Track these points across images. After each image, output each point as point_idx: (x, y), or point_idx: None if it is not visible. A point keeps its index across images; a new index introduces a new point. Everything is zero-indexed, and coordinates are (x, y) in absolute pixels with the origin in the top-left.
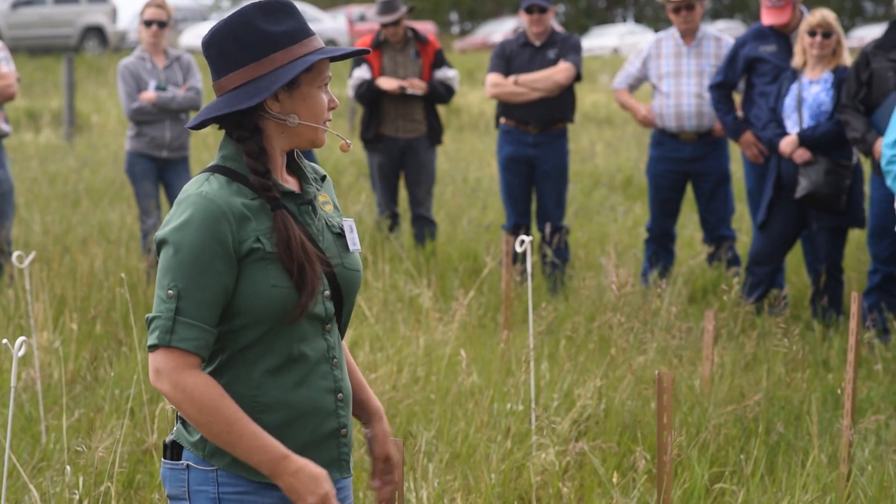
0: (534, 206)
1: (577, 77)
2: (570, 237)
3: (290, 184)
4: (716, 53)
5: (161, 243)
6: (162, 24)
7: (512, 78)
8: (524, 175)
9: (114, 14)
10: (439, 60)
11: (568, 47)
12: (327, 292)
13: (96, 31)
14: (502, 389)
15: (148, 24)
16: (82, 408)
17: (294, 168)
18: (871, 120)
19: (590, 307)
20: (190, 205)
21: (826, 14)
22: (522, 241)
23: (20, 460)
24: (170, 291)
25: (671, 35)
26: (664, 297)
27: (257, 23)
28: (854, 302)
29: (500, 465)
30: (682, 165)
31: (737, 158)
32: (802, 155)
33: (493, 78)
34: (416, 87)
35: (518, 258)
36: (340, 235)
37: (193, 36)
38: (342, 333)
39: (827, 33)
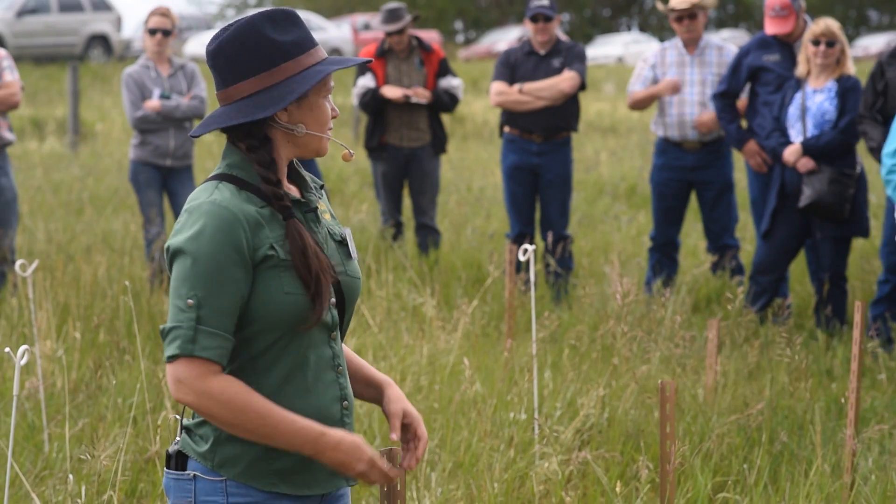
0: (538, 215)
1: (582, 86)
2: (573, 246)
3: (293, 192)
4: (718, 62)
5: (176, 253)
6: (166, 33)
7: (517, 86)
8: (528, 184)
9: (118, 23)
10: (443, 69)
11: (573, 56)
12: (333, 300)
13: (101, 40)
14: (505, 398)
15: (152, 32)
16: (85, 416)
17: (294, 176)
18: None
19: (593, 316)
20: (204, 213)
21: (830, 23)
22: (525, 250)
23: (23, 469)
24: (189, 300)
25: (674, 45)
26: (668, 306)
27: (266, 32)
28: (857, 311)
29: (502, 475)
30: (685, 174)
31: (741, 167)
32: (806, 164)
33: (498, 86)
34: (421, 95)
35: (521, 267)
36: (342, 244)
37: (198, 44)
38: (342, 341)
39: (831, 42)
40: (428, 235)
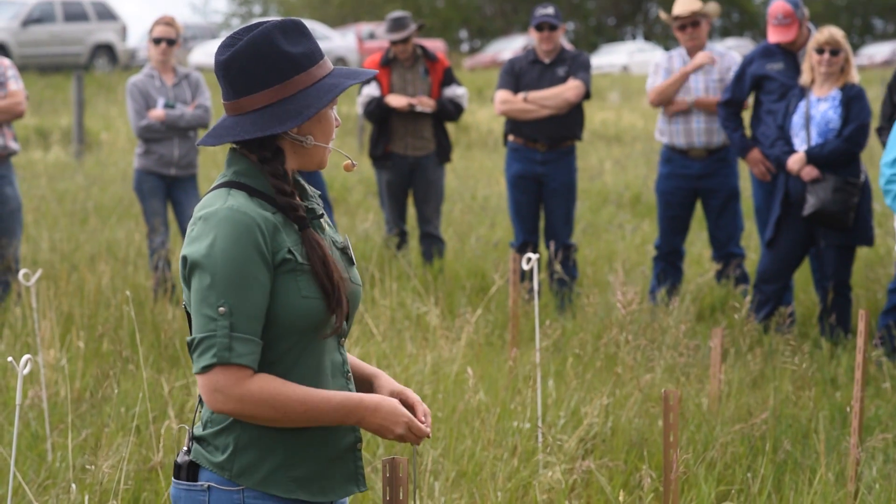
0: (542, 224)
1: (587, 95)
2: (578, 255)
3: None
4: (720, 70)
5: (198, 261)
6: (171, 42)
7: (521, 95)
8: (532, 192)
9: (124, 32)
10: (448, 78)
11: (577, 65)
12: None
13: (106, 49)
14: (509, 407)
15: (157, 41)
16: (88, 426)
17: (294, 185)
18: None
19: (597, 325)
20: (222, 219)
21: (834, 31)
22: (529, 259)
23: (26, 478)
24: (221, 308)
25: (679, 53)
26: (672, 314)
27: (279, 44)
28: (861, 320)
29: (506, 484)
30: (691, 182)
31: (746, 176)
32: (810, 172)
33: (503, 95)
34: (425, 104)
35: (525, 276)
36: (343, 251)
37: (203, 54)
38: None
39: (835, 51)
40: (432, 244)
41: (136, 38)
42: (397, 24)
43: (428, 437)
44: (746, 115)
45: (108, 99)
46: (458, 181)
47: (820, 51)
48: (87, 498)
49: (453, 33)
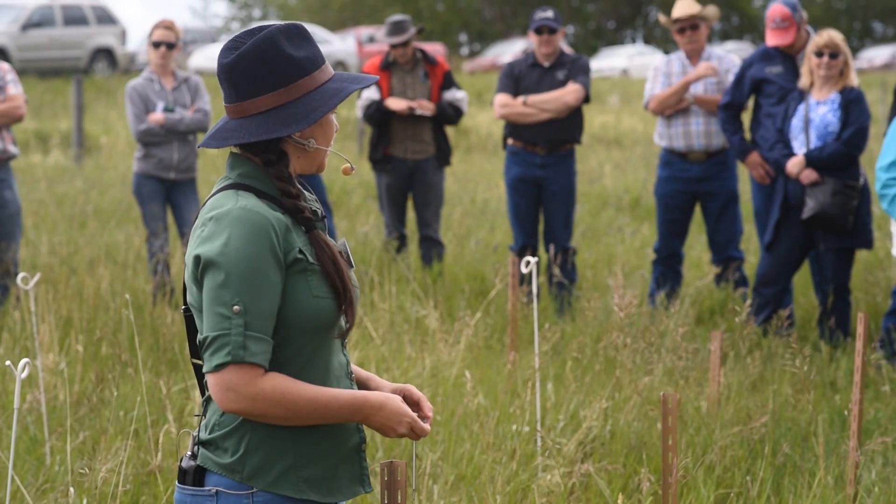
0: (541, 227)
1: (586, 98)
2: (577, 258)
3: None
4: (719, 73)
5: (211, 261)
6: (170, 46)
7: (521, 99)
8: (532, 196)
9: (123, 36)
10: (448, 82)
11: (577, 69)
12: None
13: (106, 53)
14: (508, 411)
15: (156, 45)
16: (87, 430)
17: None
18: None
19: (596, 328)
20: (236, 219)
21: (833, 35)
22: (528, 263)
23: (24, 482)
24: (235, 307)
25: (678, 56)
26: (671, 317)
27: (283, 48)
28: (860, 323)
29: (505, 487)
30: (690, 185)
31: (745, 179)
32: (809, 176)
33: (502, 98)
34: (425, 108)
35: (525, 279)
36: (340, 255)
37: (203, 58)
38: None
39: (834, 54)
40: (432, 248)
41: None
42: (397, 28)
43: (425, 435)
44: (746, 119)
45: (107, 103)
46: (457, 185)
47: (819, 54)
48: (85, 501)
49: (453, 37)
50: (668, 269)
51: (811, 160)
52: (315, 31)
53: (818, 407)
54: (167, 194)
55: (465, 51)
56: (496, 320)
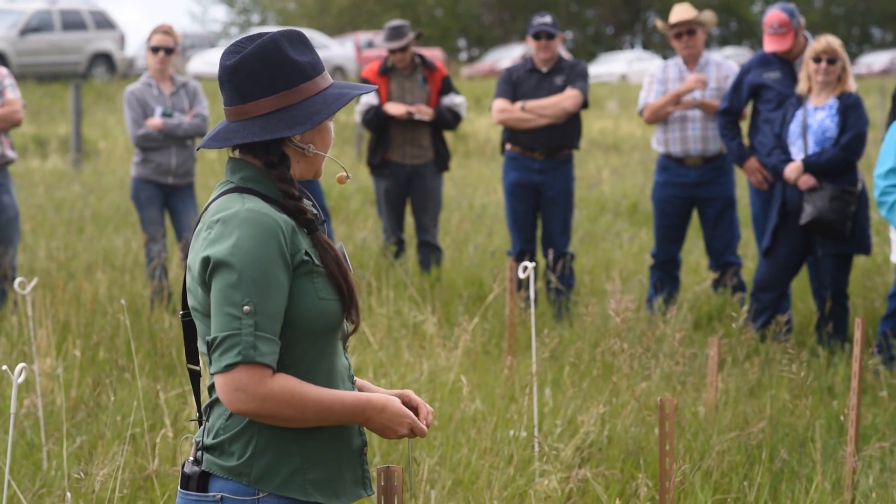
0: (539, 233)
1: (584, 104)
2: (575, 263)
3: None
4: (718, 78)
5: (221, 261)
6: (169, 51)
7: (519, 104)
8: (530, 201)
9: (122, 41)
10: (447, 87)
11: (575, 74)
12: None
13: (104, 58)
14: (505, 416)
15: (155, 50)
16: (84, 434)
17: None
18: (882, 151)
19: (594, 333)
20: (244, 220)
21: (831, 40)
22: (525, 268)
23: (21, 487)
24: (246, 307)
25: (675, 62)
26: (669, 323)
27: (287, 52)
28: (858, 328)
29: (502, 492)
30: (687, 191)
31: (743, 184)
32: (807, 181)
33: (500, 104)
34: (424, 113)
35: (522, 284)
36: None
37: (201, 63)
38: None
39: (832, 59)
40: (430, 253)
41: (135, 46)
42: (395, 33)
43: (424, 435)
44: (744, 125)
45: (106, 108)
46: (455, 190)
47: (817, 59)
48: None
49: (451, 42)
50: (665, 274)
51: (809, 166)
52: (314, 36)
53: (816, 412)
54: (165, 199)
55: (463, 56)
56: (494, 325)
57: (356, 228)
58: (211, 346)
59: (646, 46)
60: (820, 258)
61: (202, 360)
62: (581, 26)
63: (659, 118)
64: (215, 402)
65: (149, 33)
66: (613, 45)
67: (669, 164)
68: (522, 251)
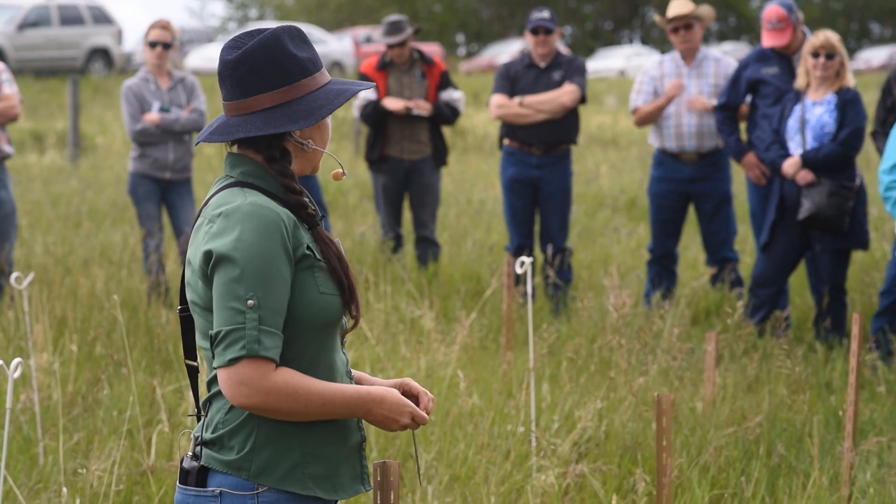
0: (537, 228)
1: (582, 99)
2: (573, 258)
3: None
4: (716, 74)
5: (224, 255)
6: (166, 46)
7: (517, 99)
8: (528, 196)
9: (119, 36)
10: (445, 82)
11: (573, 69)
12: None
13: (102, 53)
14: (503, 411)
15: (152, 45)
16: (80, 430)
17: None
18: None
19: (591, 329)
20: (247, 214)
21: (829, 35)
22: (522, 263)
23: (17, 482)
24: (250, 301)
25: (672, 57)
26: (666, 318)
27: (288, 47)
28: (855, 324)
29: (499, 488)
30: (683, 186)
31: (741, 180)
32: (805, 176)
33: (498, 99)
34: (422, 108)
35: (520, 280)
36: None
37: (199, 58)
38: None
39: (830, 55)
40: (428, 248)
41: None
42: (394, 28)
43: (425, 423)
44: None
45: (103, 103)
46: (454, 185)
47: (815, 54)
48: (78, 502)
49: (450, 37)
50: (662, 268)
51: (807, 161)
52: (312, 31)
53: (813, 408)
54: (162, 194)
55: (461, 51)
56: (491, 321)
57: (354, 223)
58: (214, 341)
59: (644, 42)
60: (818, 253)
61: (200, 355)
62: (579, 21)
63: (649, 122)
64: (214, 397)
65: (146, 28)
66: (612, 40)
67: (665, 160)
68: (520, 246)
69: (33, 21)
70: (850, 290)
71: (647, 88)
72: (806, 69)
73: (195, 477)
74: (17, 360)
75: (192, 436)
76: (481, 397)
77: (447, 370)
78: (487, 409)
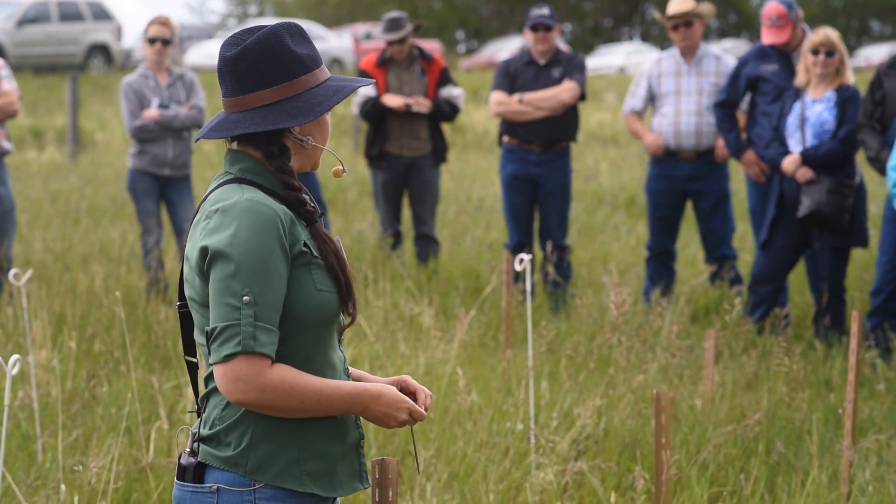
0: (537, 225)
1: (582, 96)
2: (572, 256)
3: None
4: (716, 72)
5: (220, 252)
6: (166, 42)
7: (517, 96)
8: (527, 193)
9: (119, 32)
10: (444, 79)
11: (572, 66)
12: None
13: (101, 50)
14: (502, 408)
15: (151, 41)
16: (79, 426)
17: None
18: (886, 139)
19: (591, 326)
20: (244, 210)
21: (829, 33)
22: (521, 260)
23: (15, 479)
24: (245, 297)
25: (672, 54)
26: (665, 315)
27: (288, 43)
28: (854, 321)
29: (498, 485)
30: (680, 184)
31: (740, 177)
32: (805, 174)
33: (498, 96)
34: (422, 105)
35: (519, 277)
36: None
37: (199, 54)
38: None
39: (830, 52)
40: (427, 245)
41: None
42: (394, 25)
43: (423, 419)
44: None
45: (103, 99)
46: (453, 182)
47: (815, 52)
48: (76, 498)
49: (450, 34)
50: (661, 265)
51: (807, 158)
52: (311, 27)
53: (812, 405)
54: (162, 191)
55: (461, 48)
56: (491, 318)
57: (353, 220)
58: (210, 337)
59: (644, 39)
60: (817, 251)
61: (199, 351)
62: (579, 18)
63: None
64: (211, 393)
65: (146, 25)
66: (612, 37)
67: (663, 157)
68: (519, 243)
69: (33, 17)
70: (850, 288)
71: (642, 92)
72: (806, 66)
73: (192, 473)
74: (15, 356)
75: (190, 432)
76: (480, 395)
77: (446, 367)
78: (486, 407)
